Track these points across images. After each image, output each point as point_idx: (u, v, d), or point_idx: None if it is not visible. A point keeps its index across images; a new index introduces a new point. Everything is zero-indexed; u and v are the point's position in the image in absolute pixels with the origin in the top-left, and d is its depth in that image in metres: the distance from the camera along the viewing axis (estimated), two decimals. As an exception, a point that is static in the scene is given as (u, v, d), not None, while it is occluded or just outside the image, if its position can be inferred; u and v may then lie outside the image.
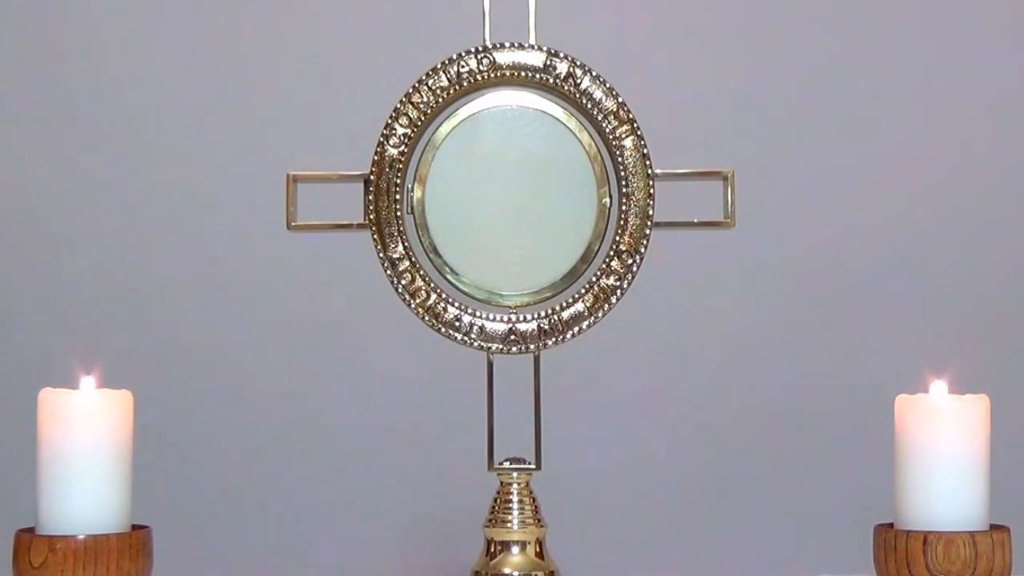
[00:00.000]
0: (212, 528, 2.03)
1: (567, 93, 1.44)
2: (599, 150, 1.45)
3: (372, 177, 1.44)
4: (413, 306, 1.43)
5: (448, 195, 1.44)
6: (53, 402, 1.35)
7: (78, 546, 1.32)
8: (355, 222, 1.45)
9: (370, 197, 1.44)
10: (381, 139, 1.44)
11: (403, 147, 1.44)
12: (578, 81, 1.44)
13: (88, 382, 1.37)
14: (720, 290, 2.07)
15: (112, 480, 1.35)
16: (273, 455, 2.04)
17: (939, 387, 1.39)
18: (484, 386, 1.45)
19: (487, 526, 1.46)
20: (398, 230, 1.43)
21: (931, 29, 2.08)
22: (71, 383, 1.37)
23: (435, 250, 1.45)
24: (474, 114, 1.45)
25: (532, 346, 1.44)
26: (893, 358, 1.97)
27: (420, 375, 2.03)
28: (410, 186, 1.44)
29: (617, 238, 1.44)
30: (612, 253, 1.43)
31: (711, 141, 2.04)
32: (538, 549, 1.45)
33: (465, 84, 1.44)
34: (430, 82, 1.44)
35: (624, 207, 1.43)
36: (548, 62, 1.44)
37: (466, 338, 1.44)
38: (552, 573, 1.45)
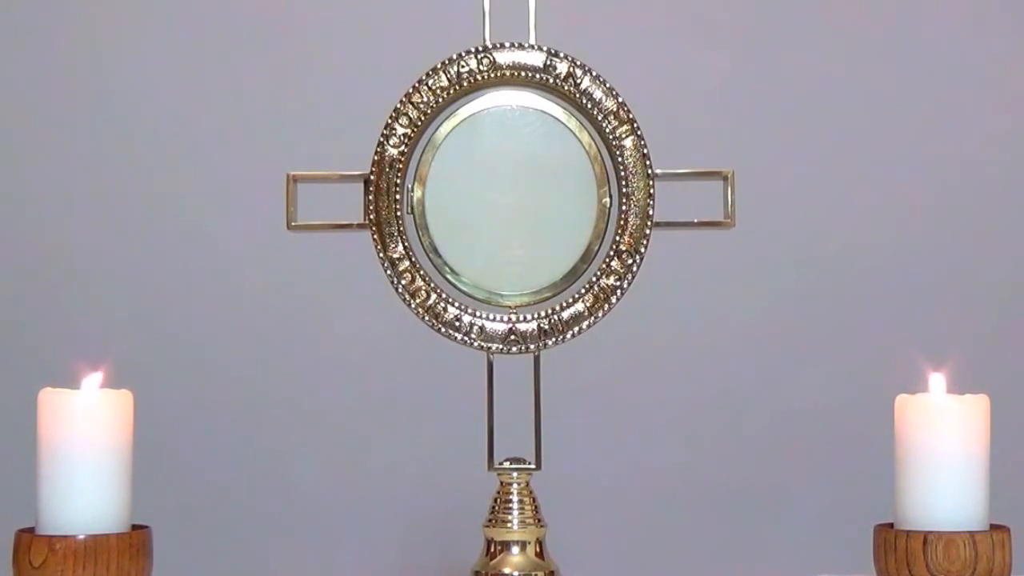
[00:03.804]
0: (212, 528, 2.03)
1: (567, 93, 1.44)
2: (599, 150, 1.45)
3: (372, 177, 1.44)
4: (413, 306, 1.43)
5: (448, 195, 1.44)
6: (53, 402, 1.35)
7: (78, 546, 1.32)
8: (355, 222, 1.45)
9: (370, 197, 1.44)
10: (381, 139, 1.44)
11: (403, 147, 1.44)
12: (578, 81, 1.44)
13: (94, 379, 1.37)
14: (720, 290, 2.07)
15: (112, 480, 1.35)
16: (273, 455, 2.04)
17: (939, 381, 1.39)
18: (484, 386, 1.45)
19: (487, 526, 1.46)
20: (398, 230, 1.43)
21: (933, 28, 2.08)
22: (72, 383, 1.37)
23: (435, 250, 1.44)
24: (474, 114, 1.45)
25: (532, 346, 1.44)
26: (893, 358, 1.96)
27: (420, 375, 2.03)
28: (410, 186, 1.44)
29: (617, 238, 1.44)
30: (612, 253, 1.43)
31: (711, 141, 2.04)
32: (538, 549, 1.45)
33: (465, 84, 1.44)
34: (430, 82, 1.44)
35: (624, 207, 1.43)
36: (548, 62, 1.44)
37: (466, 338, 1.44)
38: (552, 573, 1.45)
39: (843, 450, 2.03)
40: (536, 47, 1.44)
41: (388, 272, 1.44)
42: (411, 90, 1.44)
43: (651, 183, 1.44)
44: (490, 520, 1.46)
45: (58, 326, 2.04)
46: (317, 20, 2.08)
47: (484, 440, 1.45)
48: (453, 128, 1.45)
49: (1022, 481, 1.87)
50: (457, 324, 1.44)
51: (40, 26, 2.07)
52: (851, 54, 2.08)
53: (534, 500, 1.46)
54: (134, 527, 1.37)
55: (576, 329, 1.44)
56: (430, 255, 1.45)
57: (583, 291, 1.44)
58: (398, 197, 1.44)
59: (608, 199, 1.44)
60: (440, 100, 1.44)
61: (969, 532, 1.35)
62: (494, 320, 1.44)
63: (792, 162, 2.07)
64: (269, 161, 2.00)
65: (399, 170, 1.43)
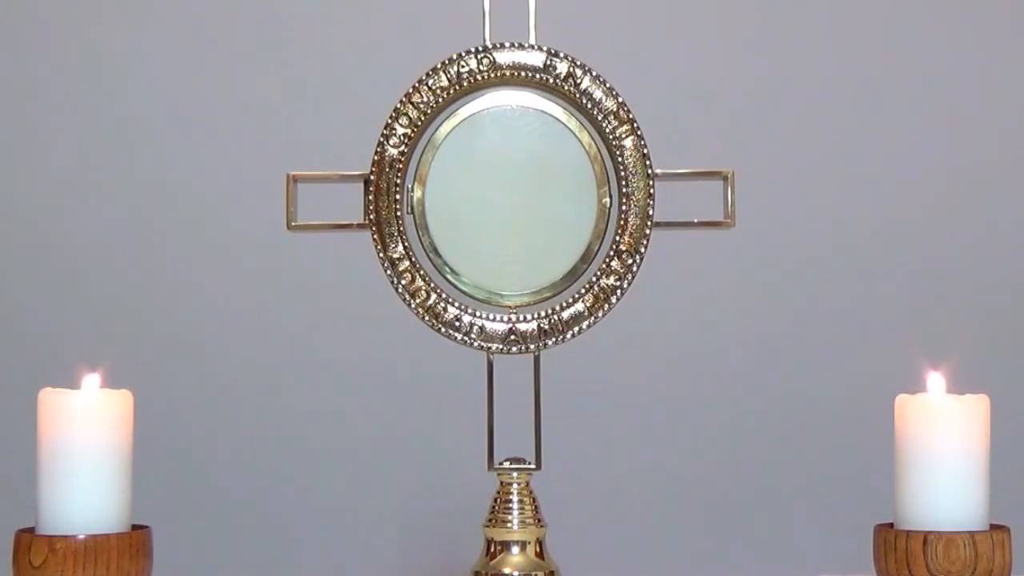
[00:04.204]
0: (212, 528, 2.03)
1: (567, 93, 1.44)
2: (599, 150, 1.45)
3: (372, 177, 1.44)
4: (413, 306, 1.43)
5: (448, 195, 1.44)
6: (53, 402, 1.35)
7: (78, 546, 1.32)
8: (355, 222, 1.45)
9: (370, 197, 1.44)
10: (381, 139, 1.44)
11: (403, 147, 1.44)
12: (578, 81, 1.44)
13: (92, 380, 1.37)
14: (720, 290, 2.07)
15: (112, 480, 1.35)
16: (273, 455, 2.04)
17: (938, 381, 1.39)
18: (484, 386, 1.45)
19: (487, 526, 1.46)
20: (398, 230, 1.43)
21: (932, 29, 2.08)
22: (72, 383, 1.37)
23: (435, 250, 1.44)
24: (474, 114, 1.45)
25: (532, 346, 1.44)
26: (893, 358, 1.96)
27: (420, 375, 2.03)
28: (410, 186, 1.44)
29: (617, 238, 1.44)
30: (612, 253, 1.43)
31: (711, 141, 2.04)
32: (538, 549, 1.45)
33: (465, 84, 1.44)
34: (430, 82, 1.44)
35: (624, 207, 1.43)
36: (548, 62, 1.44)
37: (466, 338, 1.44)
38: (552, 573, 1.45)
39: (843, 450, 2.03)
40: (536, 47, 1.44)
41: (388, 272, 1.44)
42: (411, 90, 1.44)
43: (651, 183, 1.44)
44: (490, 520, 1.46)
45: (58, 326, 2.04)
46: (317, 20, 2.08)
47: (484, 440, 1.45)
48: (453, 128, 1.45)
49: (1022, 481, 1.87)
50: (457, 324, 1.44)
51: (40, 25, 2.07)
52: (851, 54, 2.08)
53: (534, 500, 1.46)
54: (134, 527, 1.37)
55: (576, 329, 1.44)
56: (430, 255, 1.45)
57: (583, 291, 1.44)
58: (398, 197, 1.44)
59: (608, 199, 1.44)
60: (440, 100, 1.44)
61: (969, 532, 1.35)
62: (494, 320, 1.44)
63: (792, 162, 2.07)
64: (269, 161, 2.00)
65: (399, 170, 1.43)
